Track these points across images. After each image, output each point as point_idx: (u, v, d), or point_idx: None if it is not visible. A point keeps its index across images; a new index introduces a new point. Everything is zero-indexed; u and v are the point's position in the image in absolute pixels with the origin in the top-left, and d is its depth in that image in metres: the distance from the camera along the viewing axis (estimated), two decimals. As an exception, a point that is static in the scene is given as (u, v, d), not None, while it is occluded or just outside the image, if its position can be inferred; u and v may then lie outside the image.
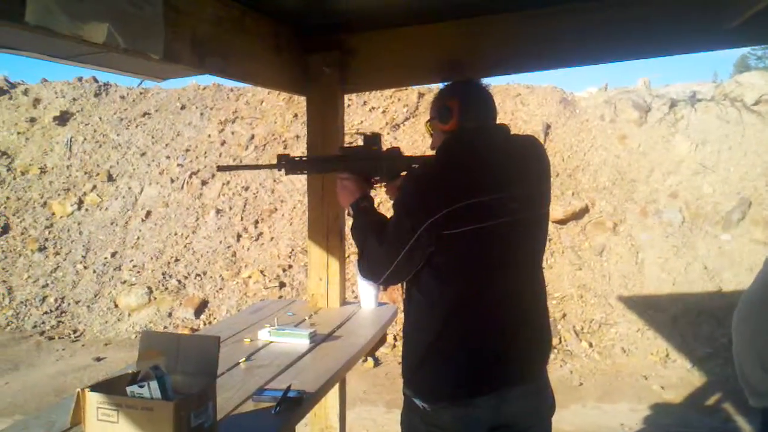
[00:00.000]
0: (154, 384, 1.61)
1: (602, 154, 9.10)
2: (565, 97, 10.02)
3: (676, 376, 6.26)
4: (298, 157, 2.49)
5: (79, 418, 1.64)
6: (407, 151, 2.21)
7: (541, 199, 2.12)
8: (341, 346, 2.83)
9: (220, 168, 2.57)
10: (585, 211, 8.47)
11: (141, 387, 1.62)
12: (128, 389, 1.63)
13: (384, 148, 2.39)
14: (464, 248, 1.94)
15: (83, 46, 1.96)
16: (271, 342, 2.84)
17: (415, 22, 3.16)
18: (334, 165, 2.44)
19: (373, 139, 2.39)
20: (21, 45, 2.39)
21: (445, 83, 2.26)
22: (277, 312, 3.43)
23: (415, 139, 9.50)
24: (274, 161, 2.46)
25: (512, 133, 2.16)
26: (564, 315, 7.31)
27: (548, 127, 9.50)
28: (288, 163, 2.45)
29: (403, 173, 2.28)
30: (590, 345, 6.86)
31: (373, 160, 2.36)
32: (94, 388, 1.66)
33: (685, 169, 8.71)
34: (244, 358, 2.59)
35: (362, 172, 2.34)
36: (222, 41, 2.64)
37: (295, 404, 2.09)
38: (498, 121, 2.18)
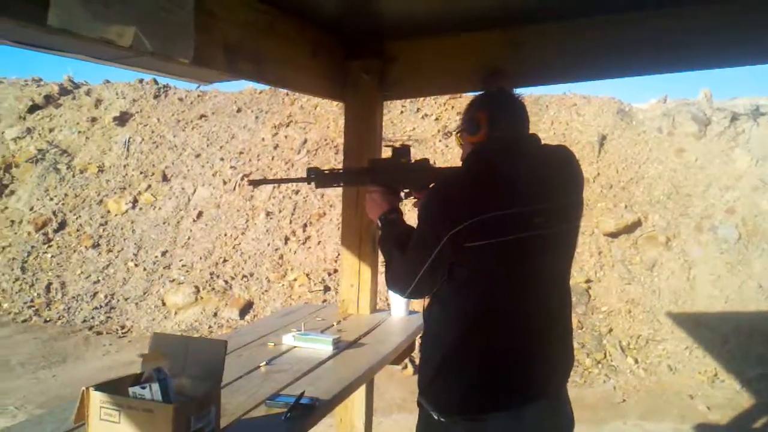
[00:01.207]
0: (155, 386, 1.62)
1: (658, 167, 8.89)
2: (623, 108, 9.83)
3: (724, 397, 6.06)
4: (327, 170, 2.49)
5: (82, 416, 1.66)
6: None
7: (571, 212, 2.06)
8: (365, 353, 2.81)
9: (252, 182, 2.59)
10: (637, 224, 8.29)
11: (143, 388, 1.63)
12: (130, 390, 1.64)
13: (429, 158, 2.38)
14: (486, 262, 1.90)
15: (114, 49, 1.98)
16: (295, 347, 2.84)
17: (456, 31, 3.12)
18: (363, 178, 2.44)
19: (402, 151, 2.38)
20: (53, 44, 2.42)
21: (476, 93, 2.23)
22: (307, 317, 3.43)
23: (466, 148, 9.43)
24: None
25: (545, 143, 2.11)
26: (610, 330, 7.16)
27: (603, 138, 9.34)
28: (317, 177, 2.45)
29: (432, 185, 2.25)
30: (636, 361, 6.70)
31: (401, 172, 2.35)
32: (98, 387, 1.67)
33: (744, 184, 8.45)
34: (264, 362, 2.59)
35: (391, 184, 2.33)
36: (256, 46, 2.65)
37: (307, 411, 2.08)
38: (533, 131, 2.13)
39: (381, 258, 2.31)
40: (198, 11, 2.18)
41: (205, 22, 2.28)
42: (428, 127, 10.02)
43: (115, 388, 1.68)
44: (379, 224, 2.26)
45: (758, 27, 2.58)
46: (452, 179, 2.09)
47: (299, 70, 3.08)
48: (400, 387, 6.11)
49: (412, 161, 2.38)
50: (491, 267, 1.92)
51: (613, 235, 8.23)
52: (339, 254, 8.49)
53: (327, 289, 8.12)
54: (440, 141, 9.69)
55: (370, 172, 2.41)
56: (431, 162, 2.45)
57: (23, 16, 1.66)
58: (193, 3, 2.17)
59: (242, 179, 9.82)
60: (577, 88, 10.58)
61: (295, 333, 2.91)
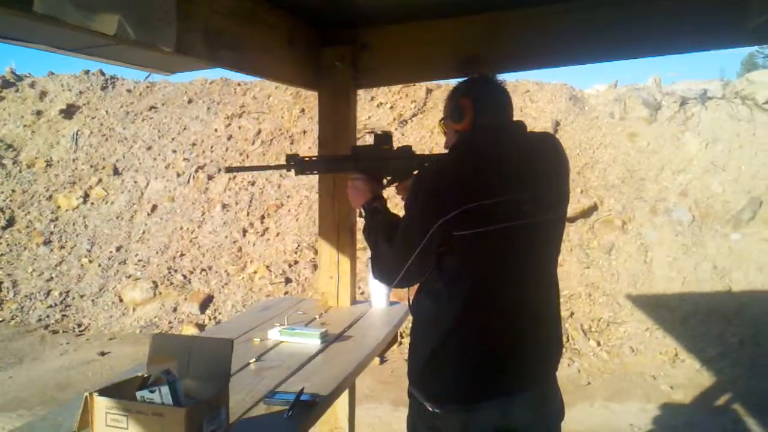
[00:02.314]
0: (165, 389, 1.55)
1: (611, 151, 9.03)
2: (575, 94, 9.95)
3: (685, 376, 6.18)
4: (308, 157, 2.43)
5: (86, 422, 1.58)
6: (415, 148, 2.15)
7: (557, 200, 2.05)
8: (353, 346, 2.77)
9: (229, 169, 2.51)
10: (594, 209, 8.40)
11: (152, 392, 1.56)
12: (138, 394, 1.57)
13: (395, 146, 2.34)
14: (474, 251, 1.88)
15: (92, 37, 1.89)
16: (282, 342, 2.78)
17: (430, 17, 3.09)
18: (345, 165, 2.39)
19: (384, 138, 2.34)
20: (29, 36, 2.33)
21: (459, 80, 2.20)
22: (287, 310, 3.37)
23: (422, 135, 9.44)
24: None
25: (528, 130, 2.09)
26: (572, 314, 7.24)
27: (557, 124, 9.44)
28: (298, 164, 2.39)
29: (415, 172, 2.22)
30: (598, 344, 6.79)
31: (384, 159, 2.31)
32: (103, 392, 1.60)
33: (696, 167, 8.65)
34: (254, 359, 2.53)
35: (373, 172, 2.29)
36: (235, 34, 2.58)
37: (309, 408, 2.04)
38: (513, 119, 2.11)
39: (360, 248, 2.27)
40: (179, -1, 2.11)
41: (186, 9, 2.20)
42: (383, 115, 9.99)
43: (119, 392, 1.61)
44: (363, 212, 2.22)
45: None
46: (440, 168, 2.05)
47: (276, 59, 3.01)
48: (368, 377, 6.08)
49: (395, 148, 2.35)
50: (481, 256, 1.89)
51: (571, 220, 8.32)
52: (298, 245, 8.43)
53: (288, 281, 8.03)
54: (396, 129, 9.65)
55: (352, 159, 2.36)
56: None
57: (9, 3, 1.58)
58: (175, -10, 2.10)
59: (196, 171, 9.65)
60: (529, 75, 10.68)
61: (281, 327, 2.85)
